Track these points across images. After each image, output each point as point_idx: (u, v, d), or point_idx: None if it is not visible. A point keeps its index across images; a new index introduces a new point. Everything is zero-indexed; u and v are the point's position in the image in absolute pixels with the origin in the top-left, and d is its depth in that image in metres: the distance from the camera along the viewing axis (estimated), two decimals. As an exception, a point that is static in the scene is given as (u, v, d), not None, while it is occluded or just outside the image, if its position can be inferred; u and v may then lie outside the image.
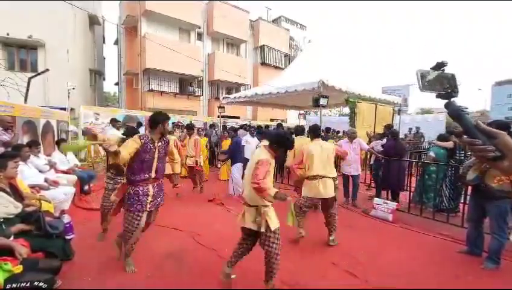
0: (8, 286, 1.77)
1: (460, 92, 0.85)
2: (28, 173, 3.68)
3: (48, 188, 3.80)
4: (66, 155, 5.10)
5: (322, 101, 6.46)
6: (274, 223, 2.22)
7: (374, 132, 7.56)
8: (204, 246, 3.23)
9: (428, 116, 15.49)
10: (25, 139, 4.54)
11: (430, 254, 3.15)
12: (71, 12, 11.82)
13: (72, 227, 2.93)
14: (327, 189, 3.28)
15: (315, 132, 3.64)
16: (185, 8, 15.77)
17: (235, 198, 5.48)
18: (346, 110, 10.71)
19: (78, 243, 2.92)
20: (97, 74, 17.71)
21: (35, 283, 1.84)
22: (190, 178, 6.04)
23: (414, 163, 5.79)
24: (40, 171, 4.08)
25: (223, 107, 10.56)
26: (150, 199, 2.53)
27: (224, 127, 9.87)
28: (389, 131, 5.58)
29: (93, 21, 15.58)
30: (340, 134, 9.92)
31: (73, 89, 9.39)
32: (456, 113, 0.77)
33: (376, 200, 4.61)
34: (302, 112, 14.92)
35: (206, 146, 7.41)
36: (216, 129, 9.89)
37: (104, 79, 20.96)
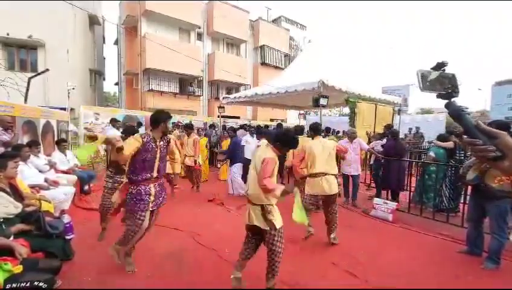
0: (8, 286, 1.77)
1: (460, 92, 0.85)
2: (28, 173, 3.68)
3: (48, 188, 3.80)
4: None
5: (322, 101, 6.46)
6: (278, 222, 2.24)
7: (374, 132, 7.57)
8: (204, 246, 3.23)
9: (428, 116, 15.49)
10: (25, 139, 4.54)
11: (430, 254, 3.15)
12: (71, 12, 11.81)
13: (72, 227, 2.93)
14: (331, 185, 3.32)
15: (316, 130, 3.66)
16: (185, 8, 15.76)
17: (235, 198, 5.48)
18: (346, 110, 10.70)
19: (78, 243, 2.92)
20: (97, 74, 17.71)
21: (35, 283, 1.84)
22: (188, 178, 6.05)
23: (414, 163, 5.79)
24: (40, 171, 4.08)
25: (223, 107, 10.56)
26: (152, 198, 2.51)
27: (224, 127, 9.87)
28: (389, 131, 5.58)
29: (93, 21, 15.57)
30: (340, 134, 9.92)
31: (73, 89, 9.38)
32: (456, 113, 0.77)
33: (376, 200, 4.61)
34: (302, 112, 14.92)
35: (206, 146, 7.41)
36: (216, 129, 9.90)
37: (104, 79, 20.95)
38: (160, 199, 2.63)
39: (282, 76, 10.02)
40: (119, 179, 3.24)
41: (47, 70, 8.05)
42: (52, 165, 4.44)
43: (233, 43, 19.60)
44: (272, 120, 18.97)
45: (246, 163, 5.94)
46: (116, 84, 19.73)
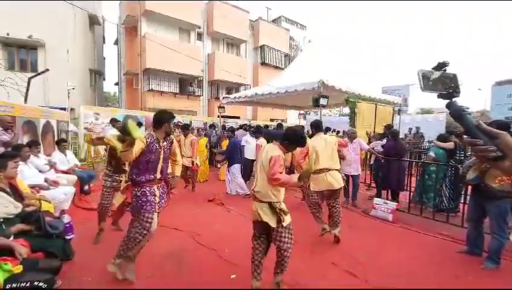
0: (8, 286, 1.77)
1: (461, 92, 0.85)
2: (28, 173, 3.68)
3: (48, 188, 3.80)
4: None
5: (322, 101, 6.47)
6: (286, 219, 2.25)
7: (374, 132, 7.57)
8: (204, 246, 3.22)
9: (428, 116, 15.50)
10: (25, 139, 4.55)
11: (430, 254, 3.15)
12: (71, 12, 11.82)
13: (72, 227, 2.93)
14: (336, 179, 3.38)
15: (317, 127, 3.69)
16: (185, 8, 15.76)
17: (235, 198, 5.48)
18: (346, 110, 10.72)
19: (78, 243, 2.92)
20: (97, 74, 17.71)
21: (35, 283, 1.84)
22: (183, 178, 6.06)
23: (414, 163, 5.79)
24: (40, 171, 4.08)
25: (223, 107, 10.56)
26: (157, 199, 2.45)
27: (224, 127, 9.87)
28: (389, 131, 5.58)
29: (93, 21, 15.57)
30: (340, 134, 9.92)
31: (73, 89, 9.38)
32: (457, 113, 0.77)
33: (376, 200, 4.61)
34: (302, 112, 14.93)
35: (206, 146, 7.41)
36: (216, 129, 9.90)
37: (104, 79, 20.95)
38: (163, 201, 2.57)
39: (282, 76, 10.02)
40: (117, 177, 3.24)
41: (47, 70, 8.05)
42: (52, 165, 4.44)
43: (233, 43, 19.60)
44: (272, 120, 18.97)
45: (246, 163, 5.95)
46: (116, 84, 19.73)
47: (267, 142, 4.79)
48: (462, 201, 4.24)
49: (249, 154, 5.95)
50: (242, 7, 18.93)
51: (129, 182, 2.52)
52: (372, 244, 3.42)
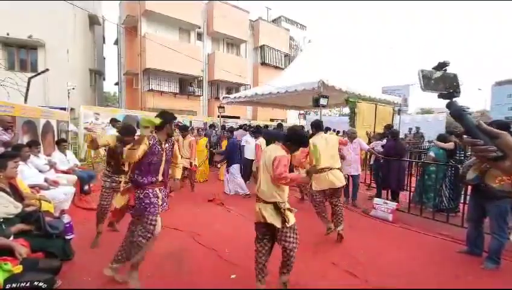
0: (8, 286, 1.77)
1: (461, 92, 0.84)
2: (28, 173, 3.68)
3: (48, 188, 3.80)
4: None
5: (322, 101, 6.47)
6: (291, 219, 2.25)
7: (374, 132, 7.57)
8: (204, 246, 3.23)
9: (428, 116, 15.49)
10: (25, 139, 4.54)
11: (430, 254, 3.15)
12: (71, 12, 11.81)
13: (72, 227, 2.92)
14: (338, 178, 3.41)
15: (318, 127, 3.70)
16: (185, 8, 15.77)
17: (235, 198, 5.48)
18: (346, 110, 10.70)
19: (78, 243, 2.92)
20: (97, 74, 17.71)
21: (35, 283, 1.83)
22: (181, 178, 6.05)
23: (414, 163, 5.79)
24: (40, 171, 4.08)
25: (223, 107, 10.56)
26: (160, 201, 2.41)
27: (224, 127, 9.87)
28: (389, 131, 5.58)
29: (93, 21, 15.57)
30: (340, 134, 9.92)
31: (73, 89, 9.37)
32: (458, 113, 0.76)
33: (376, 200, 4.61)
34: (302, 112, 14.93)
35: (206, 146, 7.41)
36: (216, 129, 9.90)
37: (104, 79, 20.95)
38: (164, 204, 2.53)
39: (282, 76, 10.03)
40: (116, 178, 3.23)
41: (47, 70, 8.05)
42: (52, 165, 4.44)
43: (233, 43, 19.61)
44: (272, 120, 18.98)
45: (246, 163, 5.96)
46: (116, 84, 19.73)
47: (267, 143, 4.79)
48: (462, 201, 4.24)
49: (249, 154, 5.95)
50: (242, 7, 18.95)
51: (129, 184, 2.49)
52: (372, 244, 3.42)
